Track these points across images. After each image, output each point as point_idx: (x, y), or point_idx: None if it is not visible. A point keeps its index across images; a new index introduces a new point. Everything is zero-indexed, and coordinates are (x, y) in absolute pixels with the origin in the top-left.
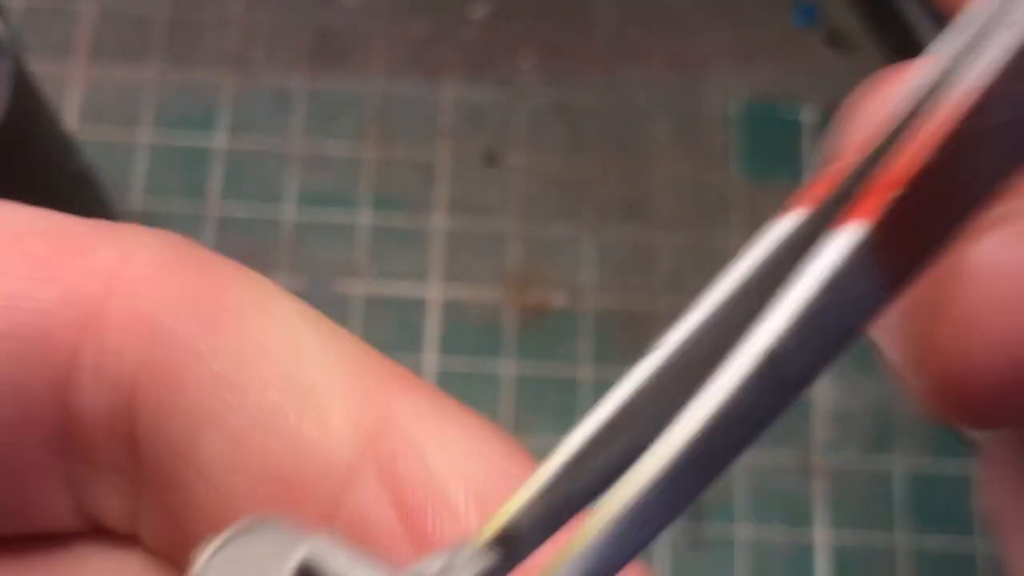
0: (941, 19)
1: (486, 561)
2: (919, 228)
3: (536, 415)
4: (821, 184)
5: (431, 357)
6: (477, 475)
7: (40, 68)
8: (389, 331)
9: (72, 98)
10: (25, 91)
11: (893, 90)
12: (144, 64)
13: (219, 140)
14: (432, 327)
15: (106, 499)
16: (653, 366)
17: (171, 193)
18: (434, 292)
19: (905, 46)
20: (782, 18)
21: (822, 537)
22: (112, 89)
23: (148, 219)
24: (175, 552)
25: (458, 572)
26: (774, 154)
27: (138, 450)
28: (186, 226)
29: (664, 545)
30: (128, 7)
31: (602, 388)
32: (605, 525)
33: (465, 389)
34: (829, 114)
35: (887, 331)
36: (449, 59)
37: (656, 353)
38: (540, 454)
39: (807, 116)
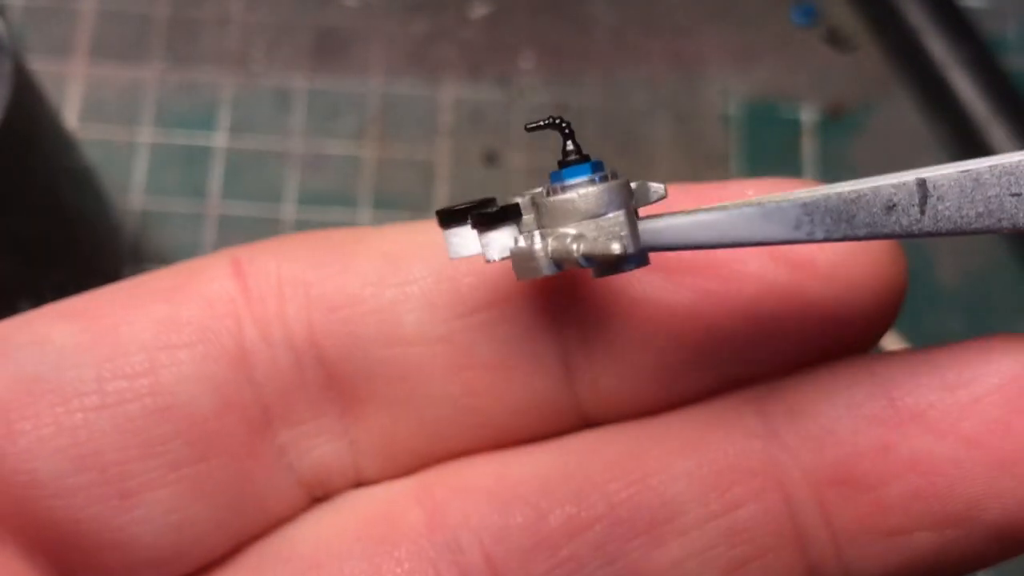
0: (941, 19)
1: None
2: None
3: None
4: None
5: None
6: None
7: (40, 67)
8: None
9: (72, 97)
10: (25, 90)
11: None
12: (144, 63)
13: (219, 139)
14: None
15: (320, 450)
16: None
17: (171, 192)
18: None
19: (905, 45)
20: (782, 18)
21: None
22: (112, 88)
23: (148, 218)
24: (402, 459)
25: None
26: (774, 154)
27: (338, 382)
28: (186, 225)
29: None
30: (128, 6)
31: None
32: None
33: None
34: (829, 114)
35: None
36: (449, 59)
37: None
38: None
39: (807, 116)
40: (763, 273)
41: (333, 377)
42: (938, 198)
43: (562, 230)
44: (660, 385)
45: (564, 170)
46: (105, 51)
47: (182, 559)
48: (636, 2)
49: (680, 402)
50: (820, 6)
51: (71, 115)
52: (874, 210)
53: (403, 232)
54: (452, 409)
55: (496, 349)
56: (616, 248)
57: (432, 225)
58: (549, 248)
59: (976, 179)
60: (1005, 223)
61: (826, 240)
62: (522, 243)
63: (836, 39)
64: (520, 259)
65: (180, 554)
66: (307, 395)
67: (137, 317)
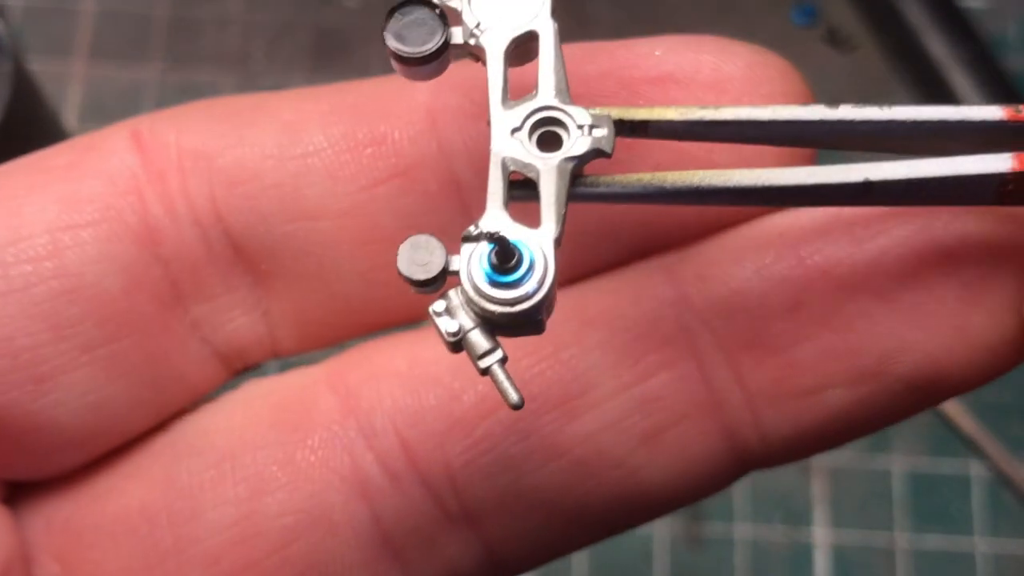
0: (940, 19)
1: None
2: None
3: None
4: None
5: None
6: None
7: (40, 67)
8: None
9: (72, 97)
10: (25, 90)
11: None
12: (144, 63)
13: None
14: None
15: (234, 323)
16: None
17: None
18: None
19: (904, 45)
20: (782, 18)
21: (821, 536)
22: (112, 88)
23: None
24: (317, 332)
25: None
26: None
27: (246, 256)
28: None
29: (663, 544)
30: (128, 6)
31: None
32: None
33: None
34: None
35: None
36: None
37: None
38: None
39: None
40: (668, 143)
41: (241, 251)
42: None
43: (479, 337)
44: (567, 256)
45: (495, 274)
46: (105, 51)
47: (105, 437)
48: (636, 2)
49: (589, 272)
50: (820, 6)
51: (71, 115)
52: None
53: (303, 98)
54: (361, 283)
55: (400, 222)
56: (514, 399)
57: (333, 90)
58: (469, 347)
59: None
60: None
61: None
62: (448, 324)
63: (836, 39)
64: (438, 324)
65: (101, 432)
66: (216, 270)
67: (36, 198)
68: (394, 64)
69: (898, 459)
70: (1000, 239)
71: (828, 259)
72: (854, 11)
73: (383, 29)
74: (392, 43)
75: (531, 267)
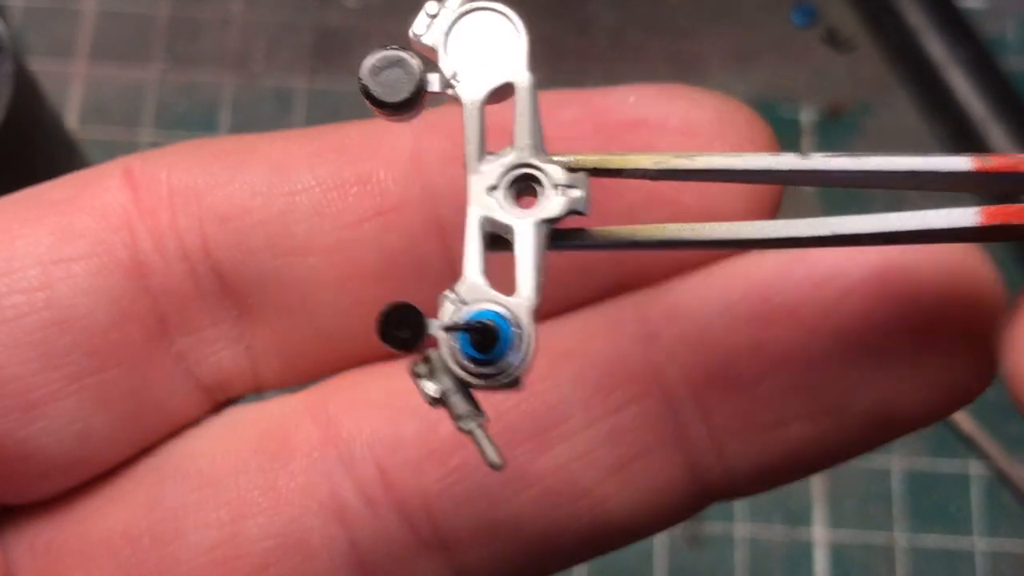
0: (939, 19)
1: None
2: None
3: None
4: (1006, 163)
5: None
6: None
7: (41, 68)
8: None
9: (73, 98)
10: (26, 91)
11: None
12: (145, 64)
13: None
14: None
15: (218, 355)
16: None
17: None
18: None
19: (904, 46)
20: (782, 18)
21: (820, 535)
22: (113, 89)
23: None
24: (300, 365)
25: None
26: None
27: (233, 291)
28: None
29: (663, 543)
30: (128, 6)
31: None
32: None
33: None
34: (828, 114)
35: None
36: None
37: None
38: None
39: (806, 116)
40: (642, 183)
41: (227, 286)
42: None
43: (460, 400)
44: (544, 293)
45: (472, 350)
46: (105, 52)
47: (89, 463)
48: (636, 2)
49: (563, 308)
50: (820, 7)
51: (72, 116)
52: None
53: (292, 139)
54: (344, 318)
55: (384, 259)
56: (495, 460)
57: (320, 132)
58: (451, 409)
59: None
60: None
61: None
62: (429, 387)
63: (835, 40)
64: (419, 385)
65: (86, 459)
66: (202, 303)
67: (31, 230)
68: (368, 104)
69: (897, 458)
70: (953, 281)
71: (791, 299)
72: (854, 11)
73: (358, 73)
74: (366, 87)
75: (510, 343)
